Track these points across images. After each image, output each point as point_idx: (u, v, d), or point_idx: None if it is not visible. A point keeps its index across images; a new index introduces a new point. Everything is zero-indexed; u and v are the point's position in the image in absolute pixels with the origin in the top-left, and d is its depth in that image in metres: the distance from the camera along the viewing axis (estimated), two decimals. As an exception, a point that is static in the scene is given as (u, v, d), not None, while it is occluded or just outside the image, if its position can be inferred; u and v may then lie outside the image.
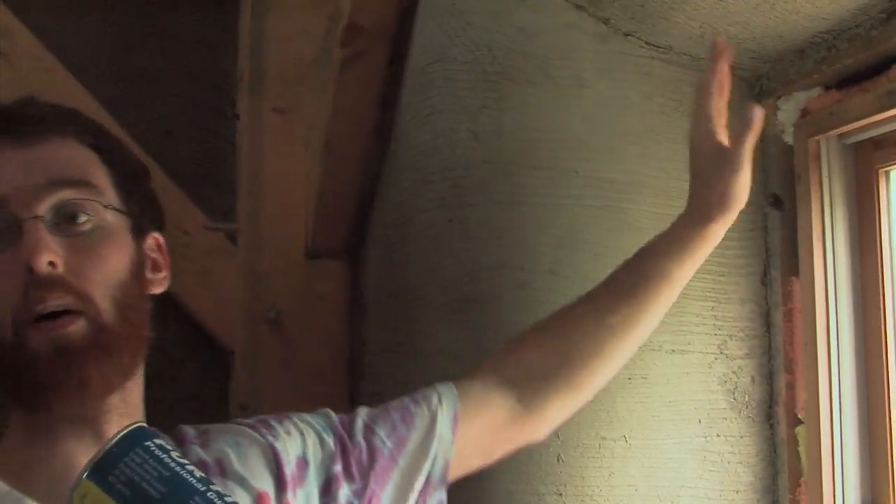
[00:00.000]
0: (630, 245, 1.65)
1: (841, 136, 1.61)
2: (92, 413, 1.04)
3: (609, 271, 1.64)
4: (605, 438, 1.62)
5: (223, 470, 1.13)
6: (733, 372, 1.69)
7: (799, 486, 1.63)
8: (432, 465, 1.26)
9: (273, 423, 1.21)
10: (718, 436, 1.68)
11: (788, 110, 1.68)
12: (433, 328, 1.76)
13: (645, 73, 1.70)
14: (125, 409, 1.07)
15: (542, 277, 1.64)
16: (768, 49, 1.64)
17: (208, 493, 0.82)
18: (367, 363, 2.27)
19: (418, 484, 1.25)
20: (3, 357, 1.01)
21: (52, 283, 1.00)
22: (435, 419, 1.27)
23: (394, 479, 1.24)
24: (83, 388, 1.01)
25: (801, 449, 1.63)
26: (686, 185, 1.67)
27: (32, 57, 2.49)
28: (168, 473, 0.81)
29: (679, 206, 1.67)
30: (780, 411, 1.68)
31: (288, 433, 1.20)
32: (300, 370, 2.32)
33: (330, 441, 1.22)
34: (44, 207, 1.03)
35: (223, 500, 0.82)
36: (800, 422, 1.63)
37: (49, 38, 2.58)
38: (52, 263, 1.00)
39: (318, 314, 2.41)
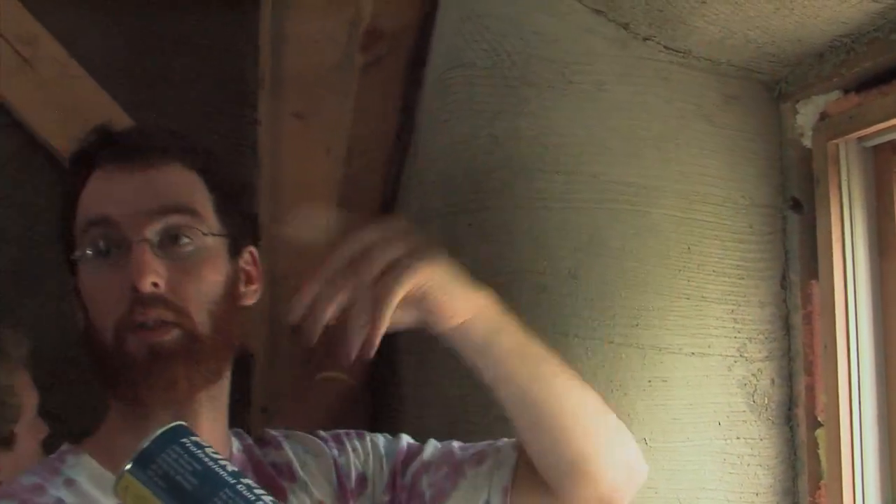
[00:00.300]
0: (650, 249, 1.66)
1: (860, 139, 1.61)
2: (181, 408, 1.13)
3: (629, 275, 1.65)
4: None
5: (292, 474, 1.25)
6: (753, 374, 1.69)
7: (819, 488, 1.63)
8: None
9: (345, 439, 1.31)
10: (738, 438, 1.68)
11: (807, 114, 1.68)
12: (453, 331, 1.76)
13: (664, 78, 1.71)
14: (212, 405, 1.19)
15: (563, 281, 1.65)
16: (787, 53, 1.64)
17: (237, 486, 0.87)
18: (386, 366, 2.28)
19: None
20: (104, 358, 1.14)
21: (154, 301, 1.12)
22: (484, 485, 1.25)
23: None
24: (171, 387, 1.12)
25: (821, 451, 1.63)
26: (707, 189, 1.69)
27: (57, 63, 2.50)
28: (200, 468, 0.87)
29: (699, 209, 1.68)
30: (800, 414, 1.68)
31: (354, 450, 1.30)
32: (321, 373, 2.33)
33: (387, 470, 1.29)
34: (151, 231, 1.13)
35: (252, 492, 0.88)
36: (819, 424, 1.63)
37: (71, 44, 2.60)
38: (155, 284, 1.11)
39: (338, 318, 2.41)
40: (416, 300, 1.07)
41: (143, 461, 0.87)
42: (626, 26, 1.69)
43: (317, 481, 1.25)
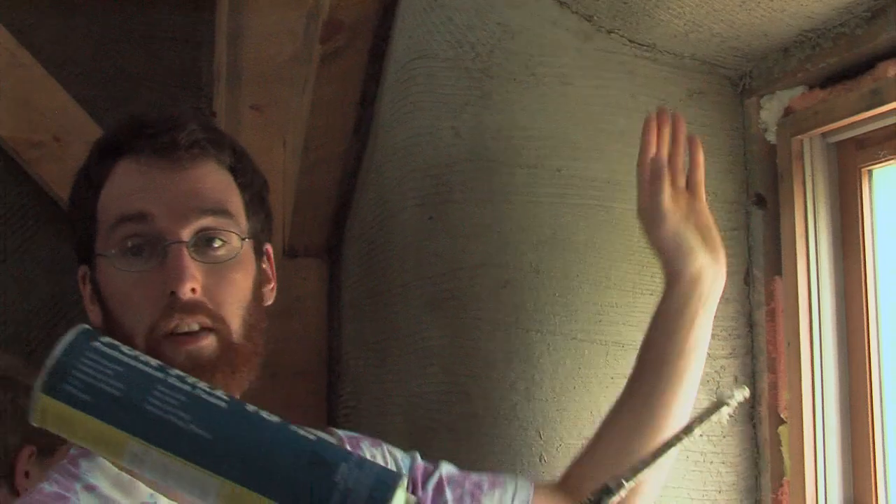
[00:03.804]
0: (614, 244, 1.65)
1: (824, 135, 1.61)
2: None
3: (593, 271, 1.63)
4: (587, 438, 1.61)
5: None
6: (716, 371, 1.68)
7: (781, 485, 1.62)
8: None
9: (363, 444, 1.28)
10: (701, 435, 1.66)
11: (772, 109, 1.67)
12: (413, 327, 1.74)
13: (629, 72, 1.69)
14: None
15: (525, 276, 1.63)
16: (752, 47, 1.63)
17: (168, 380, 0.80)
18: (346, 362, 2.26)
19: None
20: None
21: (193, 307, 1.08)
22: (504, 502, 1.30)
23: None
24: None
25: (784, 448, 1.62)
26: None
27: (7, 53, 2.45)
28: (123, 369, 0.79)
29: (663, 204, 1.66)
30: (763, 411, 1.68)
31: (373, 456, 1.26)
32: (278, 370, 2.30)
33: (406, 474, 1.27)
34: (187, 233, 1.09)
35: (185, 382, 0.81)
36: (782, 421, 1.63)
37: (25, 36, 2.55)
38: (192, 289, 1.07)
39: (295, 313, 2.40)
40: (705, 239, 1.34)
41: (57, 376, 0.78)
42: (589, 18, 1.67)
43: None
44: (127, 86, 2.82)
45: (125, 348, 0.82)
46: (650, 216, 1.37)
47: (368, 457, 1.24)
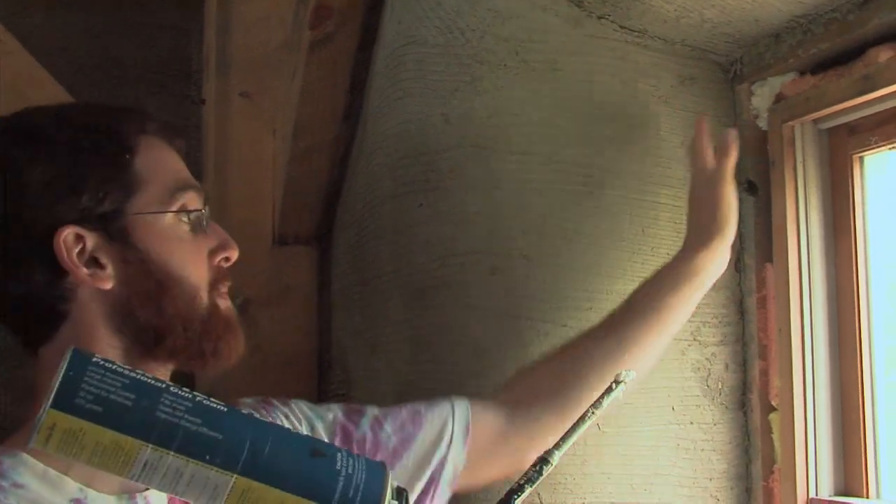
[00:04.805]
0: (604, 231, 1.64)
1: (816, 121, 1.60)
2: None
3: (583, 258, 1.63)
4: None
5: None
6: (707, 359, 1.68)
7: (772, 473, 1.62)
8: (441, 468, 1.34)
9: (276, 403, 1.32)
10: (692, 423, 1.67)
11: (763, 95, 1.67)
12: (403, 314, 1.74)
13: (620, 58, 1.68)
14: None
15: (515, 263, 1.62)
16: (744, 33, 1.63)
17: (171, 388, 0.84)
18: (336, 350, 2.25)
19: (420, 484, 1.33)
20: (195, 313, 1.16)
21: (229, 272, 1.23)
22: (445, 425, 1.36)
23: (396, 474, 1.28)
24: (238, 351, 1.20)
25: (775, 436, 1.62)
26: (662, 171, 1.67)
27: (-7, 40, 2.44)
28: (129, 381, 0.82)
29: (654, 191, 1.67)
30: (754, 398, 1.67)
31: (286, 416, 1.30)
32: (268, 358, 2.30)
33: (322, 431, 1.31)
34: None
35: (184, 391, 0.85)
36: (773, 409, 1.62)
37: (13, 23, 2.54)
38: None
39: (285, 301, 2.39)
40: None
41: (67, 391, 0.80)
42: (580, 4, 1.66)
43: None
44: (116, 73, 2.81)
45: (119, 363, 0.84)
46: (717, 174, 1.50)
47: (280, 416, 1.30)
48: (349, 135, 2.10)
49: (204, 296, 1.17)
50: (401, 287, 1.73)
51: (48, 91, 2.42)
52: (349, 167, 2.14)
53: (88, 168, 1.13)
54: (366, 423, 1.33)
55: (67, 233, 1.10)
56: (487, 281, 1.62)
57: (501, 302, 1.61)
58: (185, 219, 1.17)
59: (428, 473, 1.33)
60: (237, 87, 2.44)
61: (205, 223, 1.19)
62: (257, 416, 1.25)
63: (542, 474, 1.00)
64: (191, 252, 1.17)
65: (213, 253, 1.20)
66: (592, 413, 1.04)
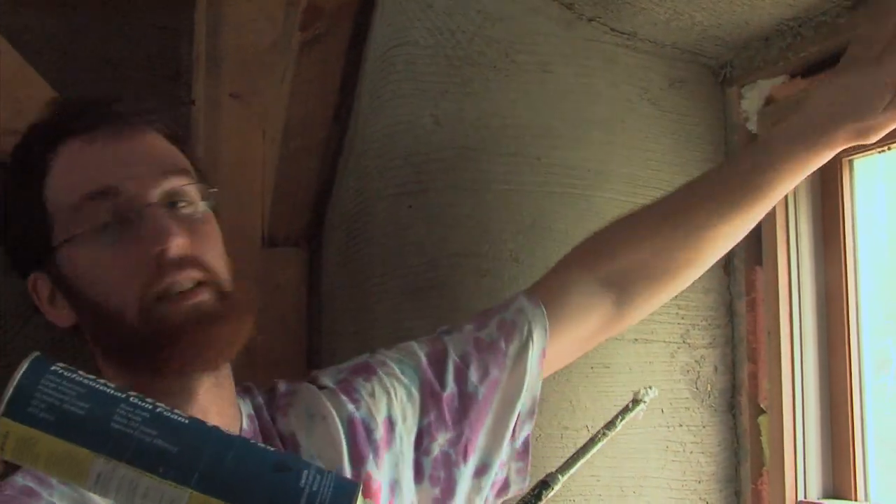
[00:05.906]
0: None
1: (805, 124, 1.60)
2: (218, 372, 1.12)
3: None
4: (567, 428, 1.61)
5: (295, 446, 1.17)
6: (696, 361, 1.68)
7: (761, 475, 1.62)
8: (522, 403, 1.28)
9: (357, 384, 1.24)
10: (681, 425, 1.67)
11: (753, 98, 1.67)
12: (392, 316, 1.73)
13: (610, 60, 1.68)
14: (228, 367, 1.15)
15: (505, 265, 1.62)
16: (733, 36, 1.63)
17: (130, 398, 0.81)
18: (326, 352, 2.24)
19: (511, 422, 1.27)
20: (128, 336, 1.05)
21: (182, 262, 1.06)
22: (525, 356, 1.29)
23: (487, 423, 1.26)
24: (219, 350, 1.08)
25: (764, 438, 1.62)
26: (652, 174, 1.67)
27: (-22, 37, 2.42)
28: (85, 390, 0.80)
29: (644, 194, 1.67)
30: (743, 401, 1.68)
31: (372, 395, 1.24)
32: (258, 358, 2.29)
33: (416, 394, 1.25)
34: (156, 194, 1.08)
35: (145, 401, 0.81)
36: (762, 411, 1.63)
37: (1, 23, 2.52)
38: (180, 245, 1.06)
39: (275, 303, 2.38)
40: None
41: (20, 399, 0.78)
42: (570, 6, 1.66)
43: (324, 449, 1.17)
44: (105, 73, 2.80)
45: (82, 372, 0.82)
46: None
47: (365, 396, 1.23)
48: (339, 136, 2.10)
49: (132, 313, 1.05)
50: (390, 289, 1.73)
51: (37, 91, 2.41)
52: (339, 168, 2.14)
53: (15, 207, 1.13)
54: (449, 377, 1.26)
55: (33, 280, 1.12)
56: (478, 283, 1.62)
57: (491, 303, 1.61)
58: (96, 233, 1.07)
59: (516, 413, 1.27)
60: (227, 87, 2.44)
61: (136, 221, 1.07)
62: (335, 406, 1.21)
63: (540, 499, 0.96)
64: (108, 269, 1.06)
65: (145, 252, 1.06)
66: (604, 434, 0.99)
